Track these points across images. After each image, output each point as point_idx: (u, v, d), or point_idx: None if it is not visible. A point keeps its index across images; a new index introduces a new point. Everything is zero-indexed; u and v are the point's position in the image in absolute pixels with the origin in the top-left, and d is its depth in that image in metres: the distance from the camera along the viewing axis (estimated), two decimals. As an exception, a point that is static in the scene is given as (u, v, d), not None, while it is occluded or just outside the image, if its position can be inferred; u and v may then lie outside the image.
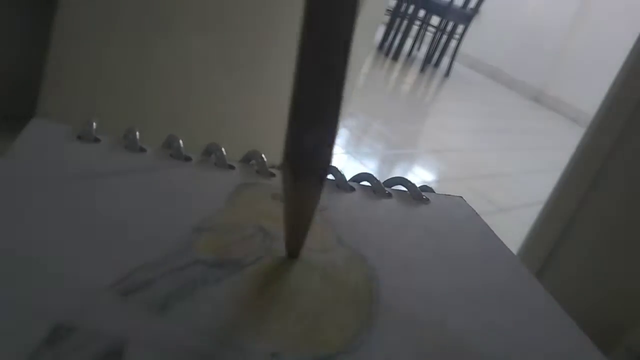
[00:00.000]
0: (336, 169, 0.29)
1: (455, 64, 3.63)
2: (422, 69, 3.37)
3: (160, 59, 0.99)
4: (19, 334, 0.14)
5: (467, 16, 3.36)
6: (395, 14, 3.35)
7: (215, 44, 1.05)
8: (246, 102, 1.13)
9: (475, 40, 3.87)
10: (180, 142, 0.27)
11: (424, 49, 3.63)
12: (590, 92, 3.35)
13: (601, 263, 0.82)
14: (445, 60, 3.57)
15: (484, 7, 3.43)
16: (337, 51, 0.16)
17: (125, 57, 0.96)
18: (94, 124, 0.26)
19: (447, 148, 2.12)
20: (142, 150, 0.26)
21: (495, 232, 0.29)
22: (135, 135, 0.26)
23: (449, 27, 3.46)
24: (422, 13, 3.39)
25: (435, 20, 3.47)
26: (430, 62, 3.47)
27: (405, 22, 3.33)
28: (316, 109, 0.17)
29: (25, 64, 1.00)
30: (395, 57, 3.31)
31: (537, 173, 2.20)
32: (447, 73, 3.51)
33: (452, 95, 3.21)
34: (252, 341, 0.16)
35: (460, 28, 3.46)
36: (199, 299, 0.17)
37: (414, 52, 3.72)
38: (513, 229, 1.05)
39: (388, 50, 3.35)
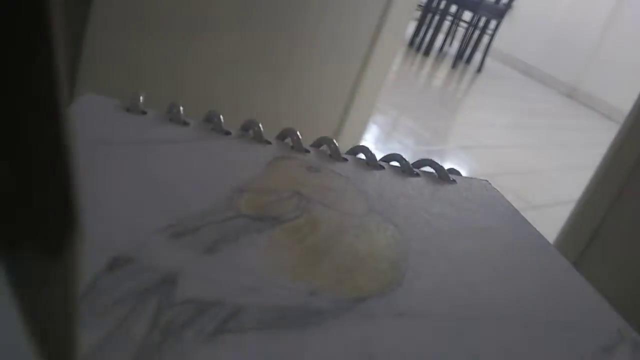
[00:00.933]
0: (367, 148, 0.31)
1: (488, 60, 3.60)
2: (454, 65, 3.35)
3: (193, 55, 1.02)
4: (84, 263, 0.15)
5: (499, 11, 3.33)
6: (426, 9, 3.33)
7: (247, 40, 1.08)
8: (276, 94, 1.15)
9: (508, 35, 3.83)
10: (221, 117, 0.29)
11: (456, 44, 3.61)
12: (624, 89, 3.29)
13: (635, 261, 0.82)
14: (477, 56, 3.54)
15: (517, 2, 3.39)
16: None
17: (158, 53, 0.99)
18: (141, 97, 0.28)
19: (478, 144, 2.11)
20: (186, 123, 0.27)
21: None
22: (179, 109, 0.28)
23: (481, 23, 3.43)
24: (454, 8, 3.37)
25: (467, 15, 3.45)
26: (461, 58, 3.45)
27: (436, 18, 3.31)
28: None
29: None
30: (427, 53, 3.30)
31: (569, 170, 2.18)
32: (479, 69, 3.49)
33: (483, 91, 3.19)
34: (292, 280, 0.18)
35: (492, 23, 3.43)
36: (242, 244, 0.19)
37: (446, 47, 3.70)
38: (545, 227, 1.05)
39: (419, 46, 3.34)
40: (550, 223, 1.24)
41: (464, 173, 0.33)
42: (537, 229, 0.29)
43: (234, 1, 1.03)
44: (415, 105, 2.38)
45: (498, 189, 0.33)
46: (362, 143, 1.45)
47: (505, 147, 2.24)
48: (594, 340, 0.20)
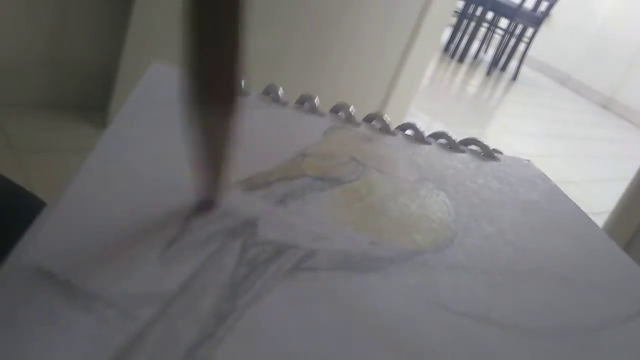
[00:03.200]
0: (415, 125, 0.32)
1: (523, 68, 3.57)
2: (489, 72, 3.34)
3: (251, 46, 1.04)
4: (176, 203, 0.18)
5: (537, 19, 3.31)
6: (462, 15, 3.32)
7: (278, 39, 1.10)
8: (299, 84, 1.17)
9: (545, 44, 3.80)
10: (281, 89, 0.30)
11: (491, 51, 3.59)
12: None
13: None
14: (513, 64, 3.52)
15: (554, 11, 3.36)
16: None
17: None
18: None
19: (511, 153, 2.10)
20: (246, 94, 0.29)
21: None
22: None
23: (517, 30, 3.41)
24: (490, 15, 3.36)
25: (503, 22, 3.43)
26: (497, 65, 3.43)
27: (472, 24, 3.30)
28: (212, 30, 0.14)
29: (100, 58, 1.07)
30: (461, 60, 3.30)
31: (603, 182, 2.15)
32: (515, 77, 3.46)
33: (518, 99, 3.17)
34: (354, 232, 0.19)
35: (529, 31, 3.41)
36: (308, 200, 0.20)
37: (481, 54, 3.68)
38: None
39: (454, 52, 3.33)
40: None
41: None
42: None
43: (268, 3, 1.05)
44: (448, 112, 2.38)
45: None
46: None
47: (538, 156, 2.22)
48: (633, 302, 0.21)
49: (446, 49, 3.36)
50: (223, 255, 0.16)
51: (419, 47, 1.43)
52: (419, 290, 0.18)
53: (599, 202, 1.76)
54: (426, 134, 0.32)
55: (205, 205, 0.18)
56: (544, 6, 3.28)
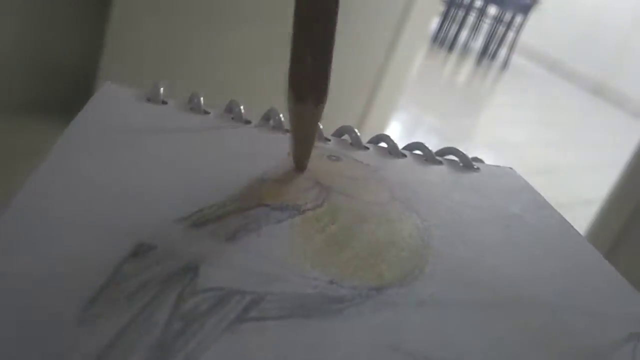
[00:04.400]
0: (389, 136, 0.30)
1: (513, 56, 3.56)
2: (478, 61, 3.32)
3: (213, 48, 1.02)
4: (106, 248, 0.16)
5: (526, 6, 3.29)
6: (451, 3, 3.30)
7: (255, 35, 1.08)
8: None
9: (535, 31, 3.78)
10: (241, 107, 0.28)
11: (481, 40, 3.57)
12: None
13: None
14: (503, 52, 3.50)
15: (543, -3, 3.34)
16: None
17: (179, 48, 0.99)
18: (161, 87, 0.28)
19: (502, 142, 2.09)
20: (206, 112, 0.27)
21: None
22: (199, 98, 0.28)
23: (507, 18, 3.39)
24: (478, 3, 3.34)
25: (492, 10, 3.41)
26: (486, 53, 3.42)
27: (461, 12, 3.28)
28: (311, 38, 0.20)
29: (80, 60, 1.05)
30: (450, 49, 3.28)
31: (596, 169, 2.14)
32: (505, 65, 3.45)
33: (509, 88, 3.16)
34: (312, 269, 0.17)
35: (518, 18, 3.39)
36: (263, 233, 0.18)
37: (470, 43, 3.66)
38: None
39: (443, 41, 3.31)
40: (575, 221, 1.21)
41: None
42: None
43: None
44: (439, 102, 2.36)
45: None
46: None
47: (530, 144, 2.21)
48: (621, 327, 0.20)
49: (435, 38, 3.34)
50: (155, 309, 0.14)
51: (407, 37, 1.41)
52: (381, 334, 0.16)
53: (592, 189, 1.75)
54: (403, 143, 0.31)
55: (298, 170, 0.24)
56: (532, -7, 3.26)
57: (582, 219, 1.09)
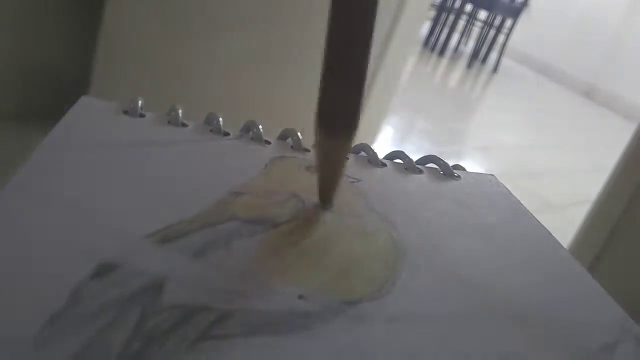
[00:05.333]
0: (368, 146, 0.30)
1: (504, 59, 3.57)
2: (469, 65, 3.33)
3: (205, 55, 1.02)
4: (68, 268, 0.15)
5: (515, 10, 3.31)
6: (441, 8, 3.32)
7: (256, 39, 1.08)
8: (278, 90, 1.15)
9: (524, 34, 3.80)
10: (220, 119, 0.28)
11: (471, 44, 3.59)
12: (644, 87, 3.24)
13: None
14: (493, 56, 3.51)
15: (533, 0, 3.36)
16: (363, 17, 0.18)
17: (171, 55, 0.99)
18: (140, 101, 0.27)
19: (494, 145, 2.09)
20: (184, 125, 0.27)
21: None
22: (177, 111, 0.28)
23: (496, 21, 3.41)
24: (469, 7, 3.35)
25: (482, 14, 3.43)
26: (477, 57, 3.43)
27: (451, 17, 3.29)
28: (344, 72, 0.19)
29: (71, 67, 1.04)
30: (441, 53, 3.29)
31: (586, 171, 2.15)
32: (495, 68, 3.46)
33: (500, 91, 3.16)
34: (282, 284, 0.17)
35: (508, 22, 3.40)
36: (232, 249, 0.18)
37: (461, 47, 3.67)
38: (562, 227, 1.04)
39: (434, 45, 3.32)
40: (568, 223, 1.22)
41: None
42: (555, 229, 0.28)
43: (247, 4, 1.03)
44: (431, 106, 2.36)
45: (515, 189, 0.32)
46: (376, 144, 1.44)
47: (522, 147, 2.22)
48: (596, 337, 0.20)
49: (426, 42, 3.35)
50: (115, 329, 0.14)
51: (397, 42, 1.41)
52: (351, 350, 0.16)
53: (585, 191, 1.75)
54: (384, 153, 0.31)
55: (324, 206, 0.23)
56: (522, -3, 3.27)
57: (573, 221, 1.09)
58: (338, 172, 0.22)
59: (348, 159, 0.22)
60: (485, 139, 2.13)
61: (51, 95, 1.06)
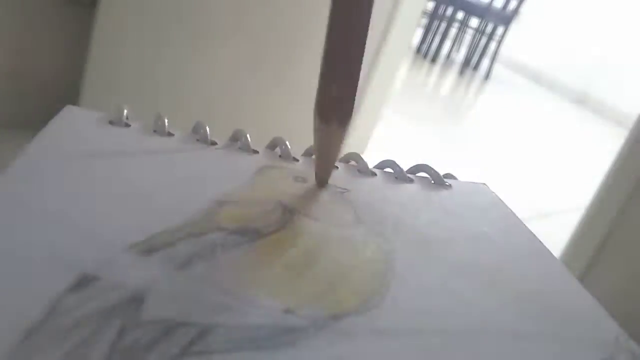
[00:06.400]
0: (359, 155, 0.30)
1: (495, 67, 3.58)
2: (461, 72, 3.34)
3: (194, 61, 1.01)
4: (47, 280, 0.15)
5: (507, 17, 3.32)
6: (433, 15, 3.33)
7: (243, 46, 1.08)
8: (270, 97, 1.14)
9: (516, 42, 3.81)
10: (207, 128, 0.28)
11: (463, 51, 3.60)
12: (635, 95, 3.26)
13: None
14: (485, 63, 3.53)
15: (524, 8, 3.38)
16: (359, 16, 0.21)
17: (163, 64, 0.99)
18: (125, 110, 0.27)
19: (486, 152, 2.10)
20: (170, 134, 0.27)
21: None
22: (163, 120, 0.27)
23: (488, 29, 3.42)
24: (460, 15, 3.36)
25: (474, 21, 3.44)
26: (469, 64, 3.44)
27: (443, 24, 3.30)
28: (340, 67, 0.22)
29: (64, 74, 1.04)
30: (434, 60, 3.30)
31: (578, 177, 2.15)
32: (487, 76, 3.47)
33: (491, 98, 3.17)
34: (267, 298, 0.17)
35: (500, 29, 3.42)
36: (217, 260, 0.18)
37: (453, 54, 3.69)
38: (554, 234, 1.04)
39: (426, 52, 3.33)
40: (560, 230, 1.22)
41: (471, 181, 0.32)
42: (547, 235, 0.28)
43: (236, 13, 1.02)
44: (423, 113, 2.37)
45: (507, 196, 0.32)
46: (367, 152, 1.44)
47: (514, 154, 2.22)
48: (591, 352, 0.19)
49: (418, 50, 3.36)
50: (92, 344, 0.14)
51: (389, 50, 1.41)
52: (336, 366, 0.15)
53: (577, 198, 1.76)
54: (374, 162, 0.31)
55: (320, 185, 0.26)
56: (513, 4, 3.29)
57: (565, 228, 1.09)
58: (333, 155, 0.24)
59: (343, 144, 0.24)
60: (477, 146, 2.13)
61: (43, 104, 1.06)
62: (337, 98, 0.22)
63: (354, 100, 0.22)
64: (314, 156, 0.26)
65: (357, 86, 0.22)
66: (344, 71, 0.22)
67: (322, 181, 0.26)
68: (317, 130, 0.23)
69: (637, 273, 0.89)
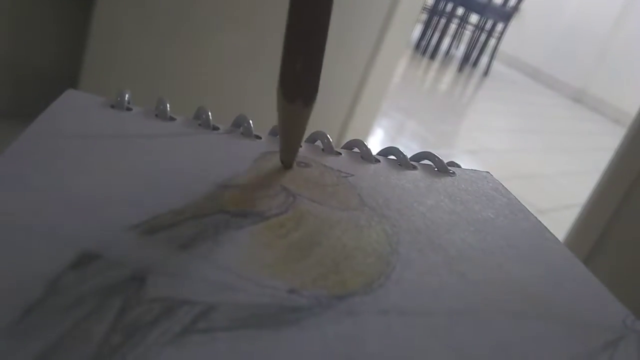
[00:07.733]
0: (361, 141, 0.30)
1: (494, 63, 3.58)
2: (460, 68, 3.34)
3: (194, 55, 1.01)
4: (47, 258, 0.15)
5: (506, 14, 3.32)
6: (433, 11, 3.32)
7: (244, 34, 1.07)
8: (272, 85, 1.14)
9: (515, 38, 3.81)
10: (209, 113, 0.28)
11: (462, 47, 3.59)
12: (633, 92, 3.26)
13: (640, 265, 0.80)
14: (484, 59, 3.52)
15: (524, 5, 3.37)
16: None
17: (161, 55, 0.98)
18: (127, 94, 0.27)
19: (484, 149, 2.10)
20: (172, 119, 0.27)
21: None
22: (165, 105, 0.27)
23: (488, 26, 3.42)
24: (460, 11, 3.36)
25: (474, 18, 3.44)
26: (468, 61, 3.44)
27: (443, 20, 3.30)
28: (303, 42, 0.21)
29: (62, 64, 1.03)
30: (433, 56, 3.29)
31: (575, 175, 2.16)
32: (486, 72, 3.47)
33: (490, 95, 3.17)
34: (271, 278, 0.17)
35: (499, 26, 3.42)
36: (221, 241, 0.18)
37: (452, 51, 3.68)
38: (551, 230, 1.04)
39: (425, 49, 3.33)
40: (556, 227, 1.22)
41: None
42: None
43: (238, 4, 1.02)
44: (421, 109, 2.36)
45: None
46: (319, 76, 1.43)
47: (512, 151, 2.22)
48: (598, 334, 0.19)
49: (417, 46, 3.36)
50: (93, 322, 0.13)
51: (388, 45, 1.41)
52: (340, 345, 0.15)
53: (573, 196, 1.76)
54: (378, 148, 0.30)
55: (286, 167, 0.24)
56: (513, 1, 3.29)
57: (563, 224, 1.09)
58: (297, 135, 0.23)
59: (306, 123, 0.23)
60: (474, 142, 2.13)
61: (42, 93, 1.05)
62: (301, 74, 0.21)
63: (319, 76, 0.21)
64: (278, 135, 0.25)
65: (322, 60, 0.21)
66: (308, 44, 0.21)
67: (287, 162, 0.24)
68: (281, 109, 0.22)
69: (632, 272, 0.89)
